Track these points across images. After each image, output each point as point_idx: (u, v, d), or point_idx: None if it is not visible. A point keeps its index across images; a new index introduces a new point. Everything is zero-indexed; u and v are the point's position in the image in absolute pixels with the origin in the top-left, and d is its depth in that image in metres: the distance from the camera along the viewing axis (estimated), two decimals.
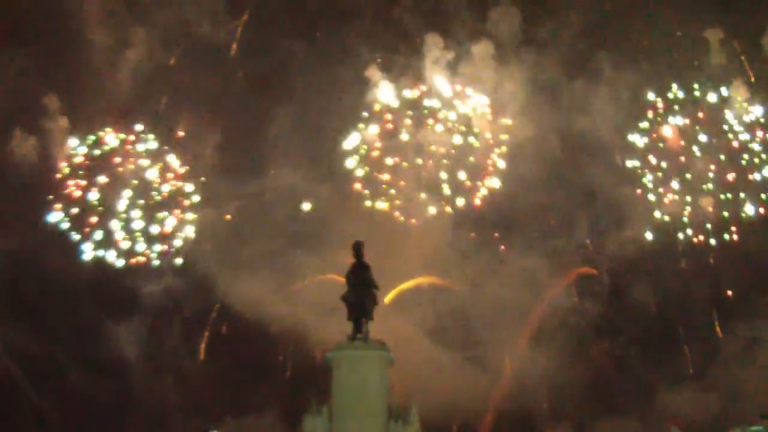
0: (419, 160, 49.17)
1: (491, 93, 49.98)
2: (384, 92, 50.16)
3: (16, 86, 44.16)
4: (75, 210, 46.25)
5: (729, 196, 47.81)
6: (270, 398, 43.83)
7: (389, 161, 49.35)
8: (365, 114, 49.48)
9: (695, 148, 49.18)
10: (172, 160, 48.56)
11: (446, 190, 48.98)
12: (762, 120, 49.10)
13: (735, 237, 46.39)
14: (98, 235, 46.09)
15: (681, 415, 40.31)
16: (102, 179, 47.16)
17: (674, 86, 49.57)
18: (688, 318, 44.23)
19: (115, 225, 46.54)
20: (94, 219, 46.48)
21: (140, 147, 48.11)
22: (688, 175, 48.34)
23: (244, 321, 45.33)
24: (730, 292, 45.05)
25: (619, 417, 42.42)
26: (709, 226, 46.65)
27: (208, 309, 47.08)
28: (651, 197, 48.03)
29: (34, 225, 44.85)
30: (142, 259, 46.62)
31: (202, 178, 48.56)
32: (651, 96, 49.86)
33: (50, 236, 44.71)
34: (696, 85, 49.72)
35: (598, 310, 45.82)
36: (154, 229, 47.36)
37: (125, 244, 46.68)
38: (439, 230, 49.06)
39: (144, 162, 48.01)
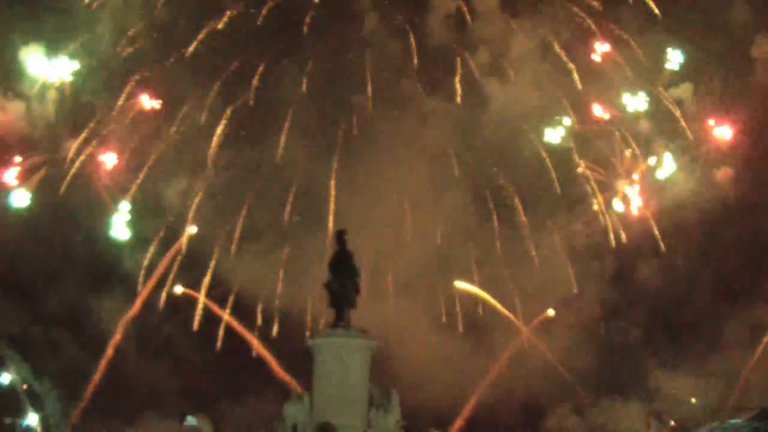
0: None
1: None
2: None
3: None
4: None
5: None
6: (266, 381, 46.33)
7: None
8: None
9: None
10: None
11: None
12: None
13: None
14: None
15: (682, 400, 42.36)
16: None
17: None
18: (692, 302, 45.39)
19: None
20: None
21: None
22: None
23: (242, 301, 47.02)
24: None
25: (620, 400, 44.12)
26: None
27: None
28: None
29: None
30: None
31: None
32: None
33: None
34: None
35: (602, 292, 47.19)
36: None
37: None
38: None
39: None
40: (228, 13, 49.98)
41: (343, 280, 31.73)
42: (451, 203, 49.90)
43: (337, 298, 31.76)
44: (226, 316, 48.14)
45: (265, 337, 48.40)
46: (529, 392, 45.06)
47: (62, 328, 45.04)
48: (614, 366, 45.44)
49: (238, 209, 49.22)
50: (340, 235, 32.60)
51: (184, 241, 48.90)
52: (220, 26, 50.61)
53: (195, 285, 48.37)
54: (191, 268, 48.56)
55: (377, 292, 46.67)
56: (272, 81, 49.88)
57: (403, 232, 49.76)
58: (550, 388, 45.10)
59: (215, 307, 48.11)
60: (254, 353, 48.17)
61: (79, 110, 49.17)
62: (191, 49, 49.39)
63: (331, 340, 31.35)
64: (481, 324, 48.32)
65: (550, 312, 47.27)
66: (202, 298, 48.03)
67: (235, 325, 48.03)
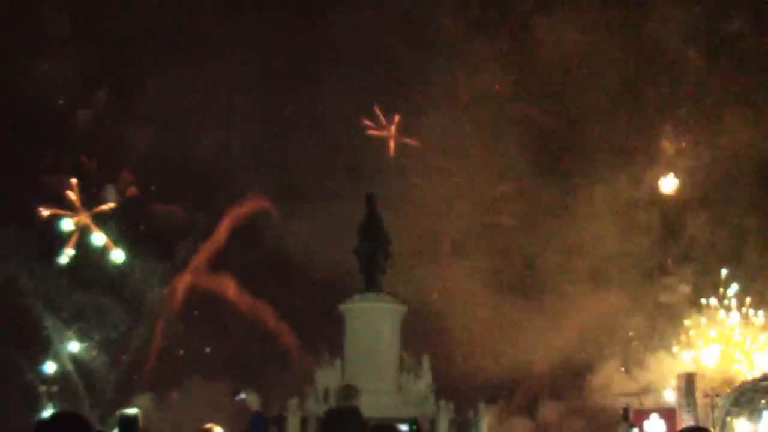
0: None
1: None
2: None
3: None
4: None
5: None
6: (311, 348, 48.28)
7: None
8: None
9: None
10: None
11: None
12: None
13: None
14: None
15: None
16: None
17: None
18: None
19: None
20: None
21: None
22: None
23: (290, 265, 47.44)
24: None
25: (668, 358, 45.18)
26: None
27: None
28: None
29: None
30: None
31: None
32: None
33: None
34: None
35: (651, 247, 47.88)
36: None
37: None
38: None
39: None
40: None
41: (372, 245, 33.45)
42: (500, 154, 50.54)
43: (367, 264, 33.43)
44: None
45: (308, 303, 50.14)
46: (577, 350, 46.29)
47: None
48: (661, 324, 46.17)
49: (279, 167, 50.80)
50: (369, 199, 34.10)
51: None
52: None
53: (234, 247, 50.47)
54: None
55: (427, 255, 48.06)
56: (312, 31, 51.02)
57: (449, 186, 50.91)
58: (597, 346, 46.23)
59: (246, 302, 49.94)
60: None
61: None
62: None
63: (361, 305, 33.03)
64: (532, 284, 49.24)
65: None
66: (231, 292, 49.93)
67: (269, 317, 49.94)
